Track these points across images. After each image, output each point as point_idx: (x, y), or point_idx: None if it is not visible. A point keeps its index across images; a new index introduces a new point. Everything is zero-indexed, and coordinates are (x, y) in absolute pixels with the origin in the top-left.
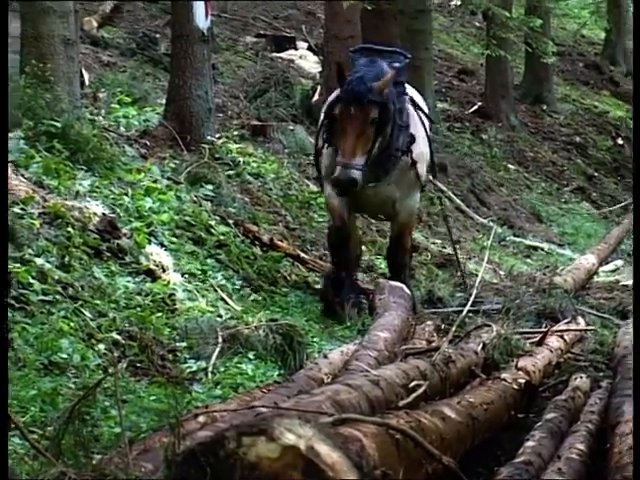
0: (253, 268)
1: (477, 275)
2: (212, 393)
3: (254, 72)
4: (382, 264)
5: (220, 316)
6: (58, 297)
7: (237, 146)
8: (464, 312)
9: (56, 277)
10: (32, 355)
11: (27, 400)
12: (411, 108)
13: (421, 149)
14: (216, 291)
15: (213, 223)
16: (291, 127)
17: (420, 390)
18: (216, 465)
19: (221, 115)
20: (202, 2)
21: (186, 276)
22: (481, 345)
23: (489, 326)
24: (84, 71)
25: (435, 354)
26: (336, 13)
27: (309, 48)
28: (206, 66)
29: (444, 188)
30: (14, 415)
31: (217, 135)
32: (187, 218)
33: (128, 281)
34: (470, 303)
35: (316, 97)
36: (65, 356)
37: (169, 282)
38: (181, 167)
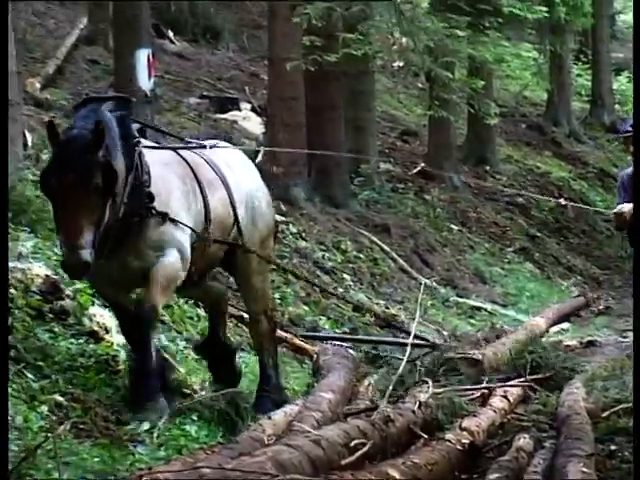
0: (197, 329)
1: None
2: (156, 455)
3: (197, 133)
4: (326, 324)
5: None
6: None
7: None
8: (399, 370)
9: None
10: None
11: None
12: (154, 162)
13: (170, 208)
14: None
15: None
16: None
17: (364, 449)
18: None
19: None
20: (145, 63)
21: None
22: (418, 404)
23: (426, 383)
24: (27, 132)
25: (374, 413)
26: (279, 74)
27: (252, 109)
28: None
29: (387, 249)
30: None
31: None
32: None
33: (71, 342)
34: (405, 362)
35: (259, 158)
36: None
37: (112, 343)
38: None
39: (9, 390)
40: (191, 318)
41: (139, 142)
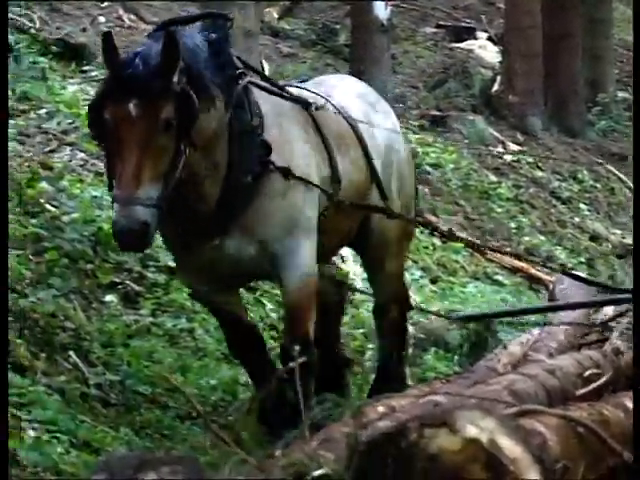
0: (432, 258)
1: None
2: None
3: (433, 62)
4: (562, 254)
5: None
6: None
7: (416, 136)
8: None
9: None
10: (212, 345)
11: (207, 389)
12: (265, 99)
13: (297, 163)
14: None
15: None
16: (470, 117)
17: (602, 380)
18: (397, 455)
19: (400, 105)
20: None
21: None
22: None
23: None
24: (264, 62)
25: (606, 344)
26: (516, 3)
27: (489, 38)
28: (385, 56)
29: (624, 178)
30: (196, 403)
31: None
32: None
33: None
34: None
35: (496, 87)
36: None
37: (348, 272)
38: None
39: None
40: (426, 247)
41: (243, 73)
